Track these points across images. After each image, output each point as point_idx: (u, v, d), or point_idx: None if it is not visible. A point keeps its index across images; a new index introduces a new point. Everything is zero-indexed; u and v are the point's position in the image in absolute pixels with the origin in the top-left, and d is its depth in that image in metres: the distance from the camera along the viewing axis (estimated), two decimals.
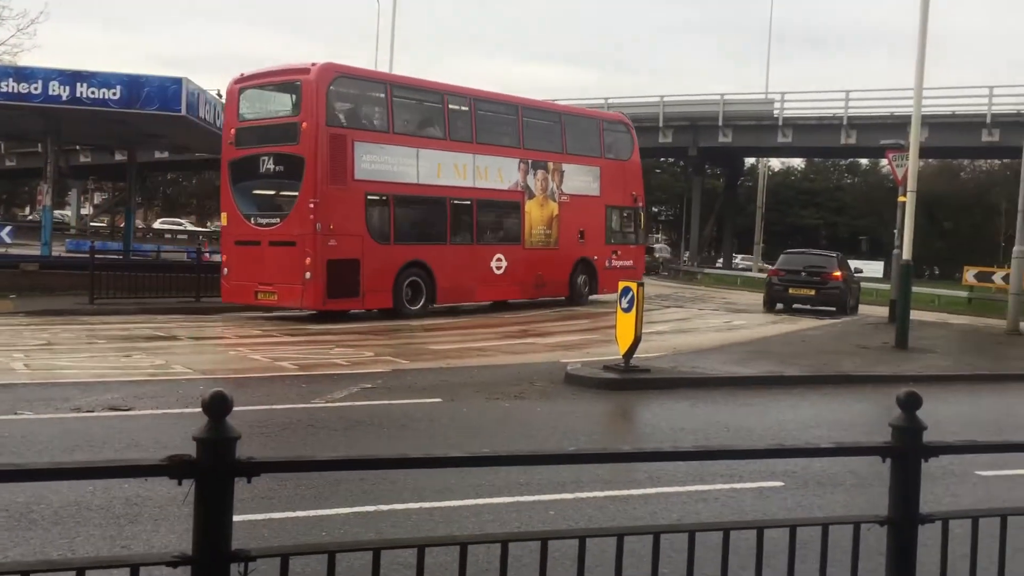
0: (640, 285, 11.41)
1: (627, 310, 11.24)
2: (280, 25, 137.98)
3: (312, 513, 5.79)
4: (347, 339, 15.06)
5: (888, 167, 24.12)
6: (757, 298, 30.54)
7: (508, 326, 18.07)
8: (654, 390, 11.11)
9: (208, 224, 76.24)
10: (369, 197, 18.01)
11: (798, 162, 76.26)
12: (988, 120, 40.88)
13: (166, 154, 45.37)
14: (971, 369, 14.19)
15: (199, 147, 29.19)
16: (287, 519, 5.67)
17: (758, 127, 46.54)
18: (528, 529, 5.54)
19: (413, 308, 18.55)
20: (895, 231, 21.96)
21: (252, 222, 17.98)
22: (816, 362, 13.86)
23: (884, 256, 39.59)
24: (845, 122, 44.11)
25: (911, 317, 16.83)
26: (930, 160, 59.62)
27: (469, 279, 19.94)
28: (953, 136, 42.52)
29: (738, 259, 58.66)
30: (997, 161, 62.20)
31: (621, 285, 11.57)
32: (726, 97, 47.36)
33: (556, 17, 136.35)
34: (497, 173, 20.61)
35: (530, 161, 21.42)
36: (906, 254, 16.95)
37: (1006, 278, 25.45)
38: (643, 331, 11.74)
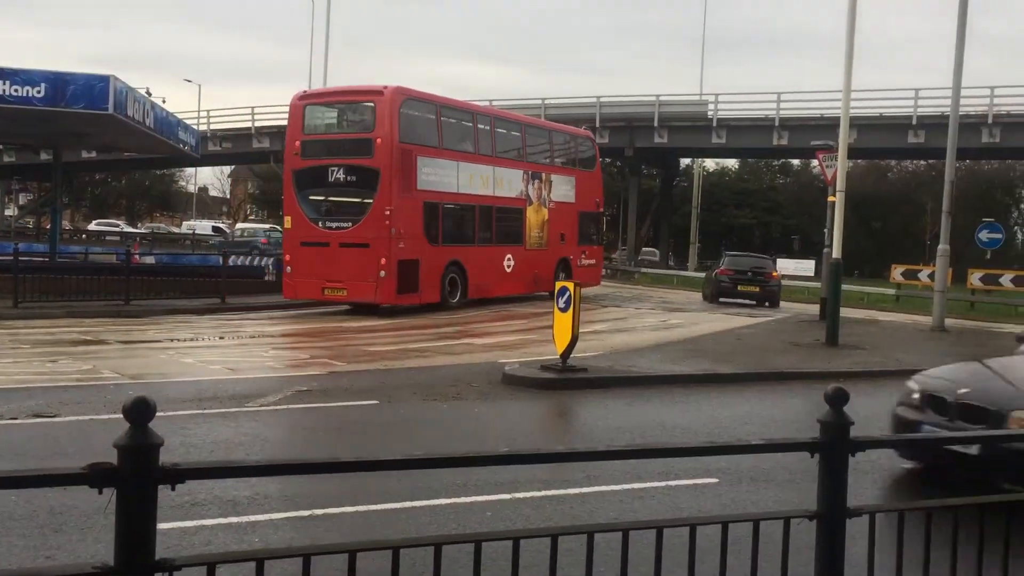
0: (577, 285, 11.46)
1: (564, 310, 11.28)
2: (211, 22, 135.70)
3: (244, 519, 5.69)
4: (283, 341, 14.86)
5: (818, 167, 24.63)
6: (694, 296, 30.96)
7: (445, 327, 18.01)
8: (591, 389, 11.17)
9: (139, 225, 74.65)
10: (426, 204, 20.38)
11: (732, 162, 77.45)
12: (914, 122, 42.02)
13: (94, 154, 44.28)
14: (898, 365, 14.51)
15: (128, 146, 28.51)
16: (218, 526, 5.56)
17: (693, 128, 47.17)
18: (464, 530, 5.52)
19: (452, 302, 21.12)
20: (825, 230, 22.44)
21: (321, 225, 19.93)
22: (750, 359, 14.07)
23: (815, 254, 40.39)
24: (777, 123, 44.95)
25: (841, 314, 17.20)
26: (859, 161, 61.10)
27: (490, 276, 22.59)
28: (881, 137, 43.63)
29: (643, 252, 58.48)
30: (923, 162, 64.05)
31: (558, 285, 11.61)
32: (661, 98, 47.93)
33: (494, 18, 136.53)
34: (508, 183, 23.45)
35: (530, 172, 24.38)
36: (836, 252, 17.31)
37: (931, 276, 26.16)
38: (580, 331, 11.79)
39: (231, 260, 23.72)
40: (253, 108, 57.66)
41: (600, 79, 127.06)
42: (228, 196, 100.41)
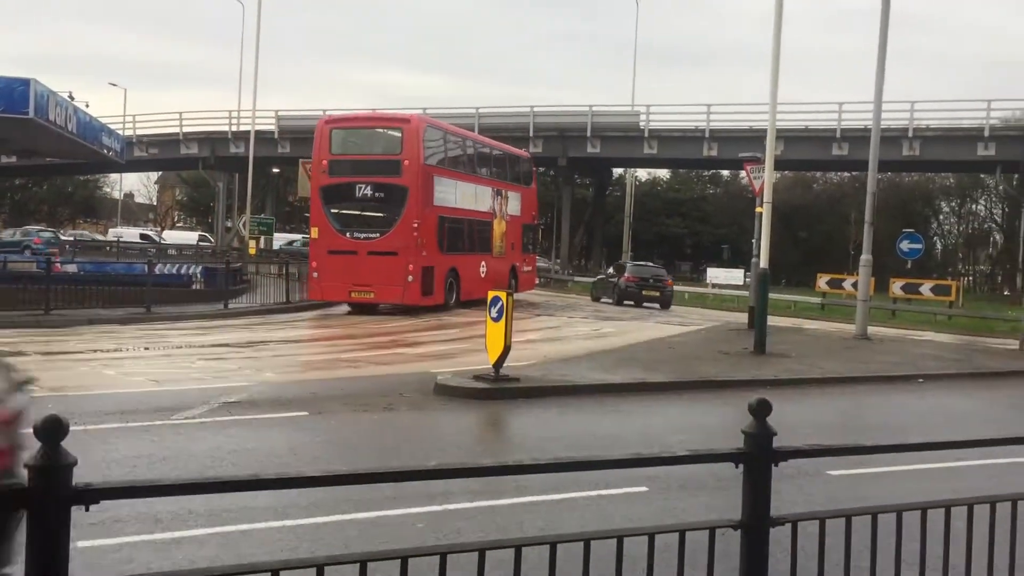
0: (509, 294, 11.48)
1: (497, 319, 11.28)
2: (138, 26, 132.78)
3: (168, 536, 5.55)
4: (211, 352, 14.57)
5: (747, 179, 25.12)
6: (623, 308, 31.28)
7: (378, 336, 17.87)
8: (524, 399, 11.17)
9: (62, 232, 72.49)
10: (439, 218, 23.35)
11: (664, 173, 78.53)
12: (838, 135, 43.18)
13: (14, 159, 42.90)
14: (823, 373, 14.88)
15: (49, 151, 27.64)
16: (141, 543, 5.41)
17: (625, 138, 47.74)
18: (396, 543, 5.46)
19: (451, 303, 24.02)
20: (753, 240, 22.88)
21: (348, 236, 22.46)
22: (680, 368, 14.25)
23: (744, 264, 41.20)
24: (707, 135, 45.76)
25: (769, 323, 17.54)
26: (786, 172, 62.55)
27: (473, 281, 25.01)
28: (807, 150, 44.73)
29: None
30: (847, 174, 65.80)
31: (490, 295, 11.61)
32: (594, 108, 48.41)
33: (425, 27, 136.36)
34: (484, 199, 26.52)
35: (495, 189, 27.38)
36: (763, 262, 17.67)
37: (855, 285, 26.88)
38: (513, 340, 11.80)
39: (157, 268, 23.20)
40: (181, 113, 56.65)
41: (533, 89, 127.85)
42: (155, 203, 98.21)
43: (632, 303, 31.17)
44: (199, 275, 25.11)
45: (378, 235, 22.39)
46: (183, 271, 25.70)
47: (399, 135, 22.86)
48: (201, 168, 59.77)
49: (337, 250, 22.37)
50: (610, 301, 32.06)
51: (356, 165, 22.86)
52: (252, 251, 36.75)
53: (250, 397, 10.35)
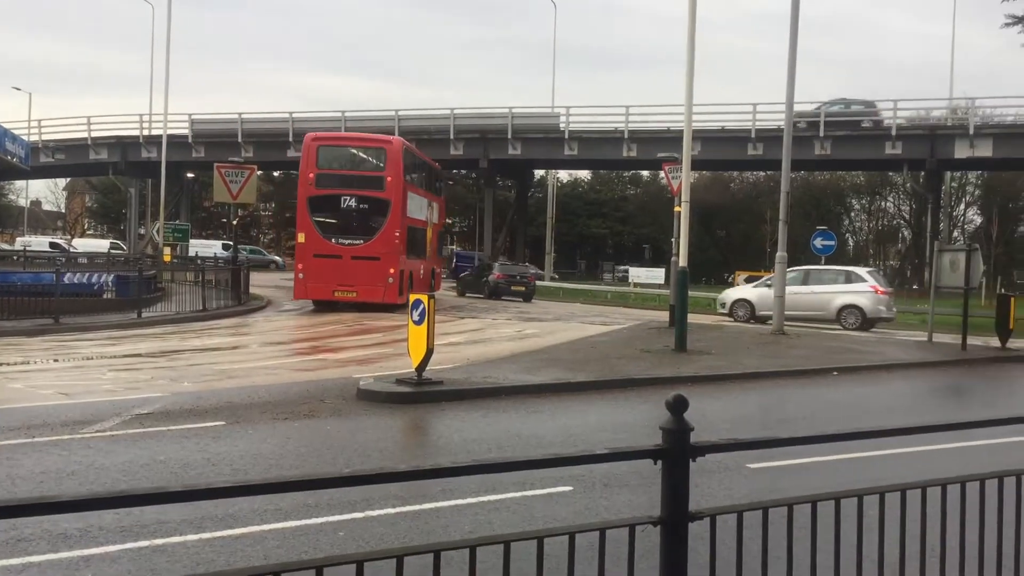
0: (431, 297, 11.39)
1: (419, 322, 11.18)
2: (42, 29, 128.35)
3: (76, 554, 5.33)
4: (123, 363, 14.12)
5: (665, 179, 25.48)
6: (549, 306, 31.47)
7: (299, 343, 17.58)
8: (448, 402, 11.10)
9: None
10: (408, 228, 26.27)
11: (585, 174, 79.29)
12: (753, 135, 44.13)
13: None
14: (743, 368, 15.15)
15: None
16: (47, 562, 5.19)
17: (546, 140, 47.98)
18: (315, 553, 5.34)
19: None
20: (673, 239, 23.21)
21: (334, 241, 25.10)
22: (603, 367, 14.34)
23: (666, 263, 41.81)
24: (627, 136, 46.27)
25: (689, 321, 17.80)
26: (704, 172, 63.74)
27: (417, 282, 27.22)
28: (723, 150, 45.60)
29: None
30: (762, 173, 67.34)
31: (412, 298, 11.50)
32: (515, 110, 48.57)
33: (344, 30, 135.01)
34: (423, 209, 29.37)
35: (427, 200, 30.37)
36: (682, 261, 17.94)
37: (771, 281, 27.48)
38: (437, 343, 11.71)
39: (67, 278, 22.41)
40: (90, 118, 54.93)
41: (452, 92, 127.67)
42: (64, 210, 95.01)
43: (501, 297, 35.88)
44: (111, 284, 24.31)
45: (362, 242, 25.20)
46: (94, 280, 24.85)
47: (383, 154, 26.02)
48: (112, 174, 58.09)
49: (323, 254, 24.92)
50: (480, 296, 36.42)
51: (343, 179, 25.75)
52: (167, 258, 35.82)
53: (164, 408, 10.05)
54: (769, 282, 25.74)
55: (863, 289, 25.86)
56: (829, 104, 45.29)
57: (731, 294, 29.32)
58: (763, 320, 25.83)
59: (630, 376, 13.56)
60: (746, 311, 27.20)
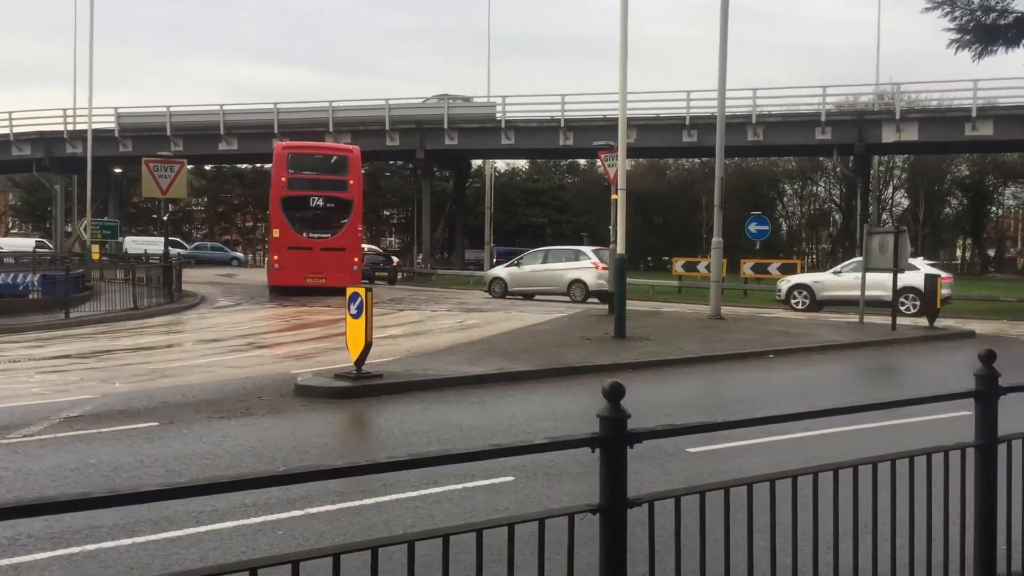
0: (368, 290, 11.28)
1: (356, 316, 11.07)
2: None
3: (5, 562, 5.16)
4: (51, 364, 13.73)
5: (602, 167, 25.59)
6: (488, 298, 31.45)
7: (234, 339, 17.29)
8: (387, 395, 11.02)
9: None
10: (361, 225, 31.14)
11: (523, 163, 79.31)
12: (687, 122, 44.51)
13: None
14: (682, 353, 15.33)
15: None
16: None
17: (482, 130, 47.82)
18: (253, 553, 5.26)
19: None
20: (610, 227, 23.35)
21: (305, 235, 28.66)
22: (543, 356, 14.38)
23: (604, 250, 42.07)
24: (563, 124, 46.33)
25: (629, 307, 17.94)
26: (640, 160, 64.27)
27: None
28: (658, 137, 45.93)
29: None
30: (697, 160, 68.11)
31: (349, 291, 11.37)
32: (451, 101, 48.31)
33: (277, 20, 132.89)
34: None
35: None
36: (620, 248, 18.05)
37: (708, 267, 27.84)
38: (376, 336, 11.62)
39: None
40: (11, 113, 53.18)
41: (387, 83, 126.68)
42: None
43: (366, 281, 37.87)
44: (36, 283, 23.61)
45: (329, 235, 28.91)
46: (18, 280, 24.11)
47: (346, 161, 30.10)
48: (35, 171, 56.33)
49: (295, 246, 28.54)
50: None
51: (311, 182, 29.37)
52: (96, 256, 34.93)
53: (94, 410, 9.79)
54: (518, 262, 31.70)
55: (587, 265, 29.12)
56: (431, 98, 51.37)
57: (490, 272, 33.66)
58: (518, 296, 30.28)
59: (571, 364, 13.62)
60: (501, 287, 31.04)
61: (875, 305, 23.62)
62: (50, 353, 15.07)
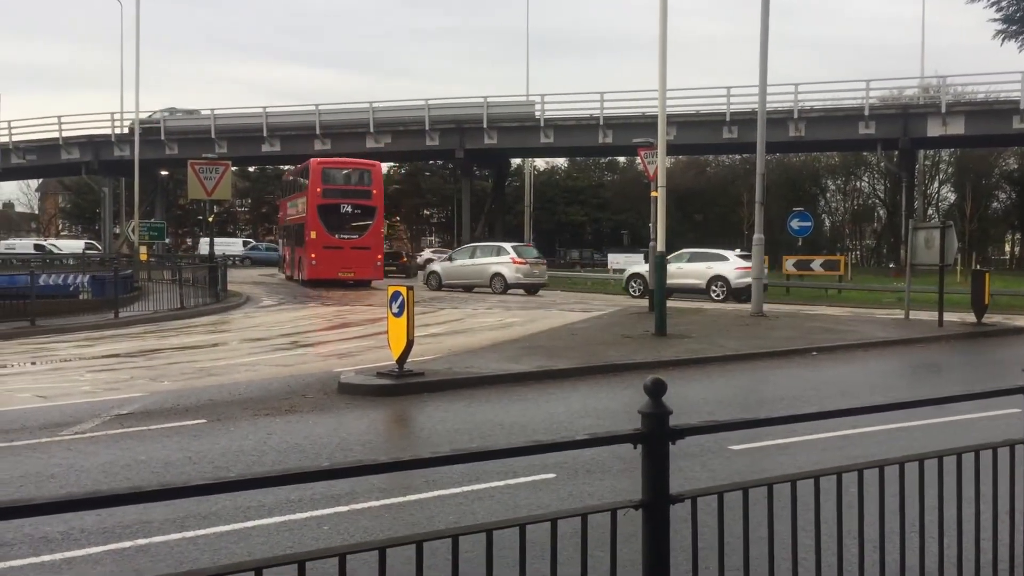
0: (410, 289, 11.36)
1: (398, 315, 11.16)
2: (10, 27, 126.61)
3: (59, 556, 5.29)
4: (101, 363, 14.01)
5: (641, 164, 25.51)
6: (528, 297, 31.48)
7: (278, 338, 17.50)
8: (429, 393, 11.09)
9: None
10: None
11: (562, 161, 79.24)
12: (728, 119, 44.20)
13: None
14: (723, 351, 15.23)
15: None
16: (29, 566, 5.15)
17: (521, 128, 47.88)
18: (299, 548, 5.33)
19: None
20: (650, 224, 23.26)
21: (336, 237, 34.04)
22: (584, 354, 14.37)
23: (645, 248, 41.89)
24: (602, 122, 46.23)
25: (669, 304, 17.86)
26: (679, 156, 63.89)
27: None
28: (698, 134, 45.65)
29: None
30: (738, 156, 67.54)
31: (391, 290, 11.47)
32: (489, 99, 48.43)
33: (320, 21, 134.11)
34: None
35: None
36: (660, 245, 17.98)
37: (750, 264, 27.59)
38: (418, 334, 11.70)
39: (42, 279, 22.18)
40: (60, 117, 54.32)
41: (424, 83, 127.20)
42: (37, 211, 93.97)
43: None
44: (86, 284, 24.09)
45: (357, 236, 34.51)
46: (69, 281, 24.62)
47: (370, 174, 36.02)
48: (84, 173, 57.50)
49: (329, 246, 33.85)
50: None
51: (342, 192, 34.91)
52: (143, 257, 35.56)
53: (144, 408, 9.98)
54: (450, 257, 35.49)
55: (505, 261, 32.07)
56: (160, 111, 53.37)
57: (428, 267, 37.30)
58: (457, 288, 32.90)
59: (611, 362, 13.59)
60: (436, 280, 34.09)
61: (691, 292, 29.47)
62: (100, 352, 15.37)
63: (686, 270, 30.30)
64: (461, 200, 54.46)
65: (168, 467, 7.44)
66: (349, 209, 34.59)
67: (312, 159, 36.58)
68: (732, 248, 34.35)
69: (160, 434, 8.68)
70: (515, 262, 31.66)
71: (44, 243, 60.29)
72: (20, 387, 11.63)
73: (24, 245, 57.67)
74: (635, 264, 34.41)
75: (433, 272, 34.78)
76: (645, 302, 23.76)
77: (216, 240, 58.30)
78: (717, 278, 29.62)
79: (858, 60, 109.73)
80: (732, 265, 29.54)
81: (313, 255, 34.02)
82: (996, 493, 3.95)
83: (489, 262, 32.55)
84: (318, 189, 34.43)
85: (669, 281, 28.46)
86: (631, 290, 31.42)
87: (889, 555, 3.73)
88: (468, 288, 32.97)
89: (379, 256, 34.79)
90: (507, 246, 34.00)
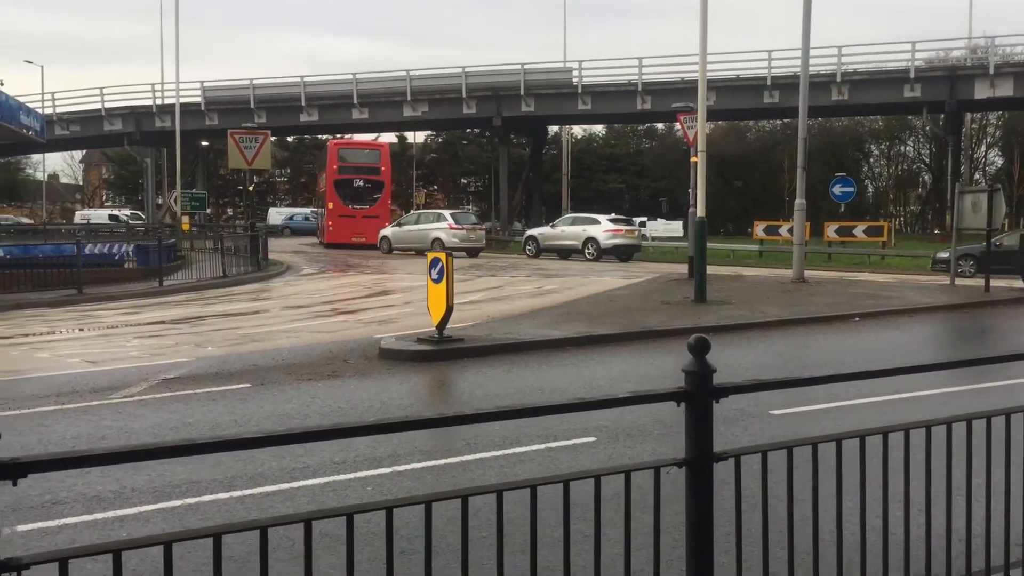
0: (449, 255, 11.40)
1: (437, 281, 11.21)
2: (53, 1, 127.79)
3: (110, 514, 5.44)
4: (147, 330, 14.26)
5: (681, 130, 25.24)
6: (568, 264, 31.44)
7: (319, 306, 17.68)
8: (469, 359, 11.16)
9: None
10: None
11: (599, 129, 78.57)
12: (768, 83, 43.49)
13: None
14: (763, 317, 15.12)
15: None
16: (82, 523, 5.29)
17: (559, 95, 47.54)
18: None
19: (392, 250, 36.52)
20: (690, 191, 23.05)
21: (350, 207, 40.50)
22: (623, 320, 14.35)
23: (683, 216, 41.54)
24: (640, 88, 45.73)
25: (708, 271, 17.75)
26: (719, 122, 63.04)
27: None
28: (738, 99, 44.99)
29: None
30: (779, 121, 66.51)
31: (430, 256, 11.53)
32: (527, 66, 48.08)
33: None
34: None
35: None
36: (700, 212, 17.84)
37: (791, 230, 27.29)
38: (457, 301, 11.76)
39: (87, 249, 22.57)
40: (102, 89, 54.90)
41: (465, 50, 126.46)
42: (81, 183, 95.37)
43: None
44: (131, 254, 24.47)
45: (367, 207, 40.75)
46: (114, 250, 25.02)
47: (379, 153, 43.26)
48: (127, 144, 58.18)
49: (344, 215, 40.32)
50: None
51: (355, 168, 41.35)
52: (185, 227, 36.02)
53: (190, 372, 10.16)
54: (399, 223, 37.50)
55: (443, 226, 34.54)
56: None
57: (381, 232, 37.61)
58: (411, 252, 34.26)
59: (651, 328, 13.57)
60: (387, 244, 36.08)
61: (569, 252, 33.30)
62: (146, 319, 15.65)
63: (567, 232, 34.10)
64: (498, 169, 54.32)
65: (215, 429, 7.59)
66: (361, 183, 41.04)
67: (330, 141, 43.52)
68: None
69: (206, 398, 8.84)
70: (452, 228, 34.45)
71: (118, 214, 61.41)
72: (70, 352, 11.89)
73: (99, 215, 59.18)
74: (594, 227, 34.33)
75: (384, 237, 36.74)
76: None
77: (285, 209, 61.58)
78: (590, 239, 32.90)
79: (903, 21, 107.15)
80: (602, 228, 33.06)
81: (330, 222, 40.78)
82: None
83: (430, 227, 34.93)
84: (335, 166, 41.26)
85: (552, 242, 34.54)
86: (527, 251, 35.12)
87: (935, 519, 3.69)
88: (420, 252, 33.73)
89: (386, 223, 38.60)
90: (446, 213, 37.89)
